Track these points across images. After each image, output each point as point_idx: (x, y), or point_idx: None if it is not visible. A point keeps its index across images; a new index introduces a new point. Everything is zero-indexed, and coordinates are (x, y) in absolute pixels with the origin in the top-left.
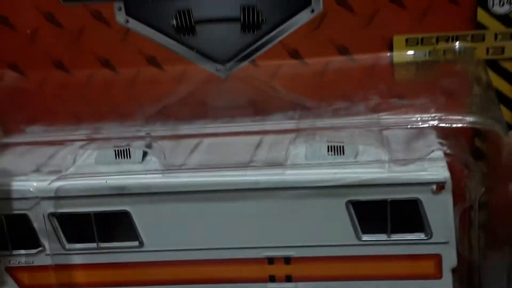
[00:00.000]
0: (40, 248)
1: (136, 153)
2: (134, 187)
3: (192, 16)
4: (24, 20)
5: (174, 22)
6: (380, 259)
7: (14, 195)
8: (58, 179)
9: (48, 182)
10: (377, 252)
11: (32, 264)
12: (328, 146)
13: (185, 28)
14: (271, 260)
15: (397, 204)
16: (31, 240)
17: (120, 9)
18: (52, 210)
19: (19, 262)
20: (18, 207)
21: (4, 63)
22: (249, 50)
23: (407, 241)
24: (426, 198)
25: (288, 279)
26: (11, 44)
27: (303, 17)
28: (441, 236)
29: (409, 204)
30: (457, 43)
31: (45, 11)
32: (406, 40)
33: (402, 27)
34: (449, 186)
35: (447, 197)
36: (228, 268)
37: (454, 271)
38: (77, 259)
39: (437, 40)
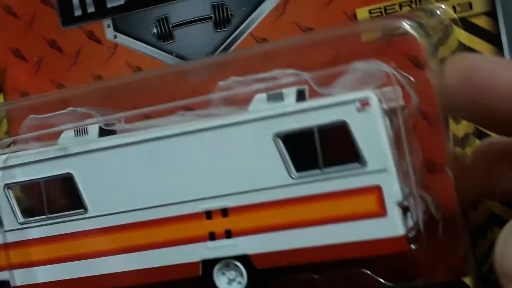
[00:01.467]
0: None
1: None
2: (74, 147)
3: (169, 22)
4: (32, 49)
5: (155, 30)
6: (316, 199)
7: None
8: (8, 147)
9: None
10: (312, 190)
11: None
12: (267, 95)
13: (164, 34)
14: (209, 215)
15: (325, 131)
16: None
17: (108, 26)
18: (6, 181)
19: None
20: None
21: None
22: (222, 47)
23: (341, 174)
24: (352, 119)
25: (228, 234)
26: (22, 72)
27: (268, 5)
28: (377, 162)
29: (337, 130)
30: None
31: (49, 39)
32: (369, 11)
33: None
34: (376, 104)
35: (375, 117)
36: (168, 229)
37: (404, 207)
38: (32, 234)
39: (400, 7)
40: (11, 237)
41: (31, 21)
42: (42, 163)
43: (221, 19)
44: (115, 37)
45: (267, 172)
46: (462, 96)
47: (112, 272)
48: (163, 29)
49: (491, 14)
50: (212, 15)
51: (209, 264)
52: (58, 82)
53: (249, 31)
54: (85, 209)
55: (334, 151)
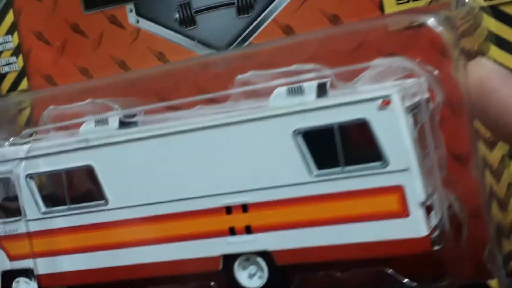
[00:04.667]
0: (19, 216)
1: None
2: (95, 139)
3: (191, 7)
4: (55, 33)
5: (177, 15)
6: (337, 197)
7: None
8: (32, 138)
9: (23, 142)
10: (333, 189)
11: (16, 232)
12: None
13: (187, 20)
14: (229, 210)
15: (346, 128)
16: (13, 206)
17: (131, 10)
18: (28, 171)
19: (4, 231)
20: (1, 171)
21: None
22: (245, 33)
23: (362, 172)
24: (373, 117)
25: (248, 230)
26: (45, 56)
27: None
28: (399, 162)
29: (358, 127)
30: None
31: (71, 22)
32: None
33: None
34: (398, 103)
35: (397, 116)
36: (189, 223)
37: (427, 206)
38: (53, 223)
39: None
40: (34, 227)
41: (54, 4)
42: (64, 154)
43: (244, 5)
44: (138, 21)
45: (287, 169)
46: (475, 102)
47: (132, 263)
48: (185, 14)
49: None
50: (235, 1)
51: (229, 259)
52: (81, 67)
53: (272, 17)
54: (106, 200)
55: (355, 149)
